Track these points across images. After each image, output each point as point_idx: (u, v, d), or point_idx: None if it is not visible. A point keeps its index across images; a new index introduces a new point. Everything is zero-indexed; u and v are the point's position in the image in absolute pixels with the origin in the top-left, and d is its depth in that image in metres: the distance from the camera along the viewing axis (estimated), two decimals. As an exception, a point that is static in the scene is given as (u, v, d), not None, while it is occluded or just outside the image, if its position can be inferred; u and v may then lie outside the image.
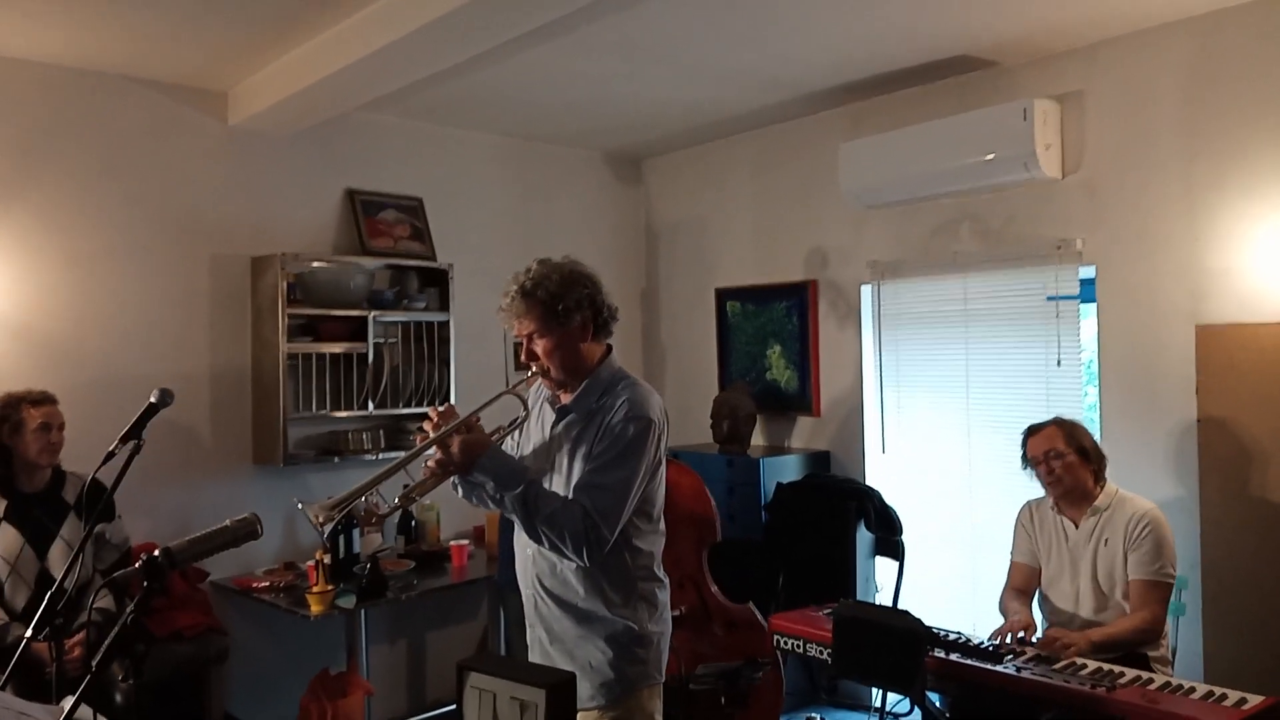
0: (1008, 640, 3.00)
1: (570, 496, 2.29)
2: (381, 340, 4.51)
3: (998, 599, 3.37)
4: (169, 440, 4.03)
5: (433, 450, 2.30)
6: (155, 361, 4.07)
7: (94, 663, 1.66)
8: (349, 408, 4.40)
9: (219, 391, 4.29)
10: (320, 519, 2.20)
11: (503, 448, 2.47)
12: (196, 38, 3.66)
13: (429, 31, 3.22)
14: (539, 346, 2.36)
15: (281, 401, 4.17)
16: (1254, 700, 2.52)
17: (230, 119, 4.32)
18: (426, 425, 2.33)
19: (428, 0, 3.14)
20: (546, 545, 2.28)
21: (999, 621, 3.22)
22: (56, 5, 3.31)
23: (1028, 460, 3.28)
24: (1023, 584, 3.33)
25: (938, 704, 2.98)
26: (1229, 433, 3.49)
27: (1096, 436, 3.37)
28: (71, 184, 3.92)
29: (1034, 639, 3.05)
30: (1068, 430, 3.21)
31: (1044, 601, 3.30)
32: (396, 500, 2.40)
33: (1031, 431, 3.28)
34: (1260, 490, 3.41)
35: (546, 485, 2.35)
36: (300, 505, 2.24)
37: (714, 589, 3.87)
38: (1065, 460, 3.17)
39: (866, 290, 4.75)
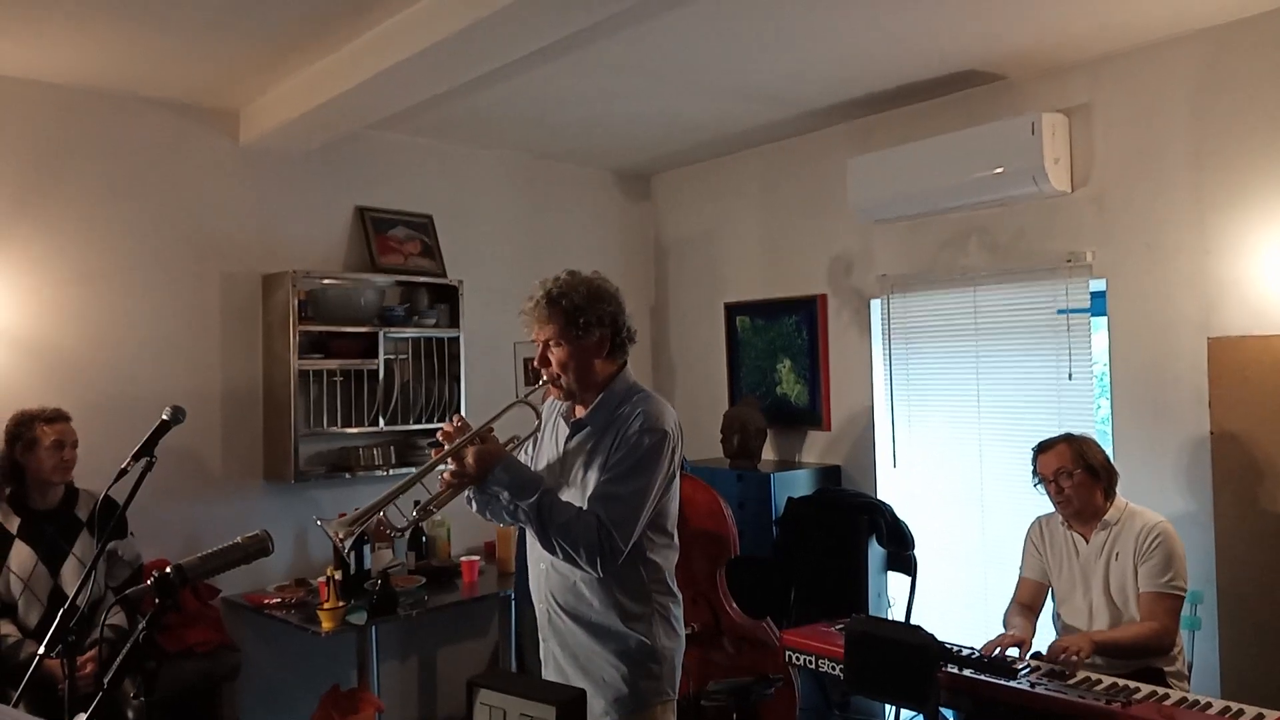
0: (995, 654, 2.97)
1: (585, 507, 2.29)
2: (392, 356, 4.52)
3: (1002, 614, 3.35)
4: (181, 457, 4.05)
5: (448, 462, 2.31)
6: (167, 379, 4.09)
7: (106, 680, 1.66)
8: (360, 424, 4.41)
9: (230, 408, 4.31)
10: (341, 535, 2.22)
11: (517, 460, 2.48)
12: (208, 57, 3.70)
13: (438, 51, 3.24)
14: (554, 355, 2.38)
15: (292, 418, 4.18)
16: (1271, 715, 2.49)
17: (242, 138, 4.35)
18: (441, 437, 2.34)
19: (437, 20, 3.17)
20: (560, 555, 2.28)
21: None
22: (68, 25, 3.35)
23: (1038, 476, 3.26)
24: (1028, 600, 3.31)
25: (951, 720, 2.97)
26: (1242, 445, 3.47)
27: (1109, 450, 3.35)
28: (83, 202, 3.95)
29: (1028, 656, 3.02)
30: (1077, 448, 3.18)
31: (1057, 618, 3.28)
32: (414, 514, 2.40)
33: (1041, 448, 3.25)
34: (1274, 503, 3.39)
35: (561, 499, 2.35)
36: (319, 522, 2.26)
37: (731, 606, 3.85)
38: (1075, 480, 3.14)
39: (876, 304, 4.74)
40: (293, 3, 3.22)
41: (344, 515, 2.26)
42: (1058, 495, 3.19)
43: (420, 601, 4.07)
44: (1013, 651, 3.00)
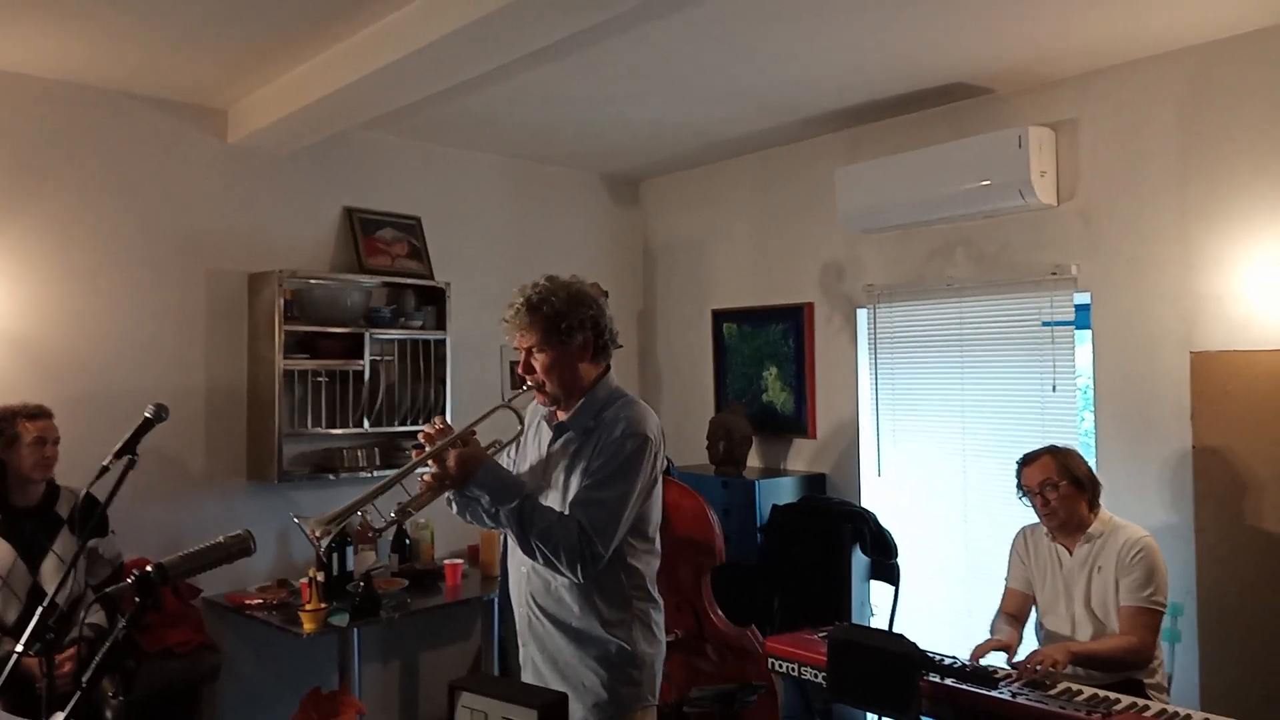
0: (984, 659, 3.00)
1: (566, 512, 2.29)
2: (378, 358, 4.51)
3: (990, 622, 3.37)
4: (163, 456, 4.03)
5: (429, 464, 2.30)
6: (151, 376, 4.07)
7: (84, 679, 1.65)
8: (344, 425, 4.39)
9: (214, 407, 4.28)
10: (317, 533, 2.21)
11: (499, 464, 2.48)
12: (197, 55, 3.68)
13: (428, 52, 3.24)
14: (538, 361, 2.37)
15: (277, 418, 4.16)
16: (1248, 728, 2.51)
17: (230, 136, 4.33)
18: (422, 439, 2.33)
19: (427, 22, 3.16)
20: (541, 560, 2.28)
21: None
22: (58, 22, 3.33)
23: (1022, 489, 3.28)
24: (1015, 609, 3.33)
25: (932, 729, 2.97)
26: (1224, 459, 3.50)
27: (1092, 463, 3.37)
28: (71, 199, 3.93)
29: (1005, 663, 3.05)
30: (1061, 460, 3.20)
31: (1040, 629, 3.30)
32: (393, 515, 2.39)
33: (1026, 461, 3.28)
34: (1255, 517, 3.42)
35: (544, 502, 2.35)
36: (297, 520, 2.25)
37: (716, 613, 3.85)
38: (1060, 491, 3.16)
39: (863, 314, 4.76)
40: (283, 2, 3.22)
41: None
42: (1044, 508, 3.20)
43: (403, 604, 4.06)
44: (1000, 656, 3.03)
